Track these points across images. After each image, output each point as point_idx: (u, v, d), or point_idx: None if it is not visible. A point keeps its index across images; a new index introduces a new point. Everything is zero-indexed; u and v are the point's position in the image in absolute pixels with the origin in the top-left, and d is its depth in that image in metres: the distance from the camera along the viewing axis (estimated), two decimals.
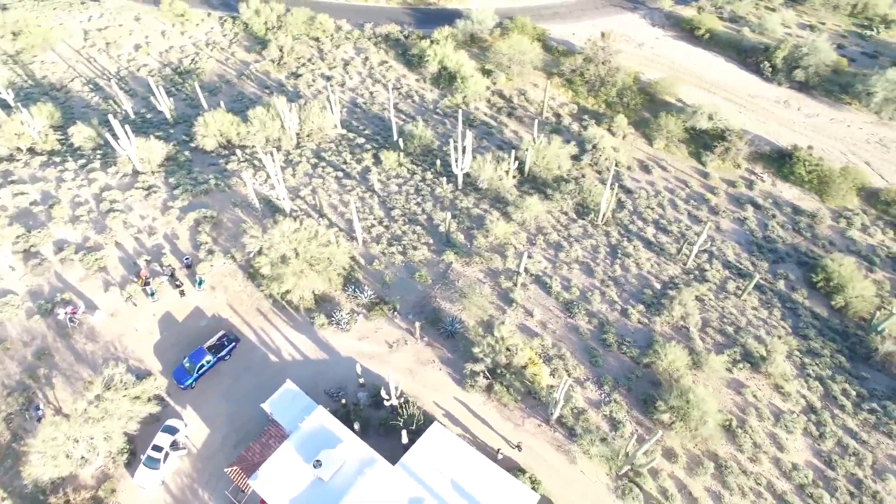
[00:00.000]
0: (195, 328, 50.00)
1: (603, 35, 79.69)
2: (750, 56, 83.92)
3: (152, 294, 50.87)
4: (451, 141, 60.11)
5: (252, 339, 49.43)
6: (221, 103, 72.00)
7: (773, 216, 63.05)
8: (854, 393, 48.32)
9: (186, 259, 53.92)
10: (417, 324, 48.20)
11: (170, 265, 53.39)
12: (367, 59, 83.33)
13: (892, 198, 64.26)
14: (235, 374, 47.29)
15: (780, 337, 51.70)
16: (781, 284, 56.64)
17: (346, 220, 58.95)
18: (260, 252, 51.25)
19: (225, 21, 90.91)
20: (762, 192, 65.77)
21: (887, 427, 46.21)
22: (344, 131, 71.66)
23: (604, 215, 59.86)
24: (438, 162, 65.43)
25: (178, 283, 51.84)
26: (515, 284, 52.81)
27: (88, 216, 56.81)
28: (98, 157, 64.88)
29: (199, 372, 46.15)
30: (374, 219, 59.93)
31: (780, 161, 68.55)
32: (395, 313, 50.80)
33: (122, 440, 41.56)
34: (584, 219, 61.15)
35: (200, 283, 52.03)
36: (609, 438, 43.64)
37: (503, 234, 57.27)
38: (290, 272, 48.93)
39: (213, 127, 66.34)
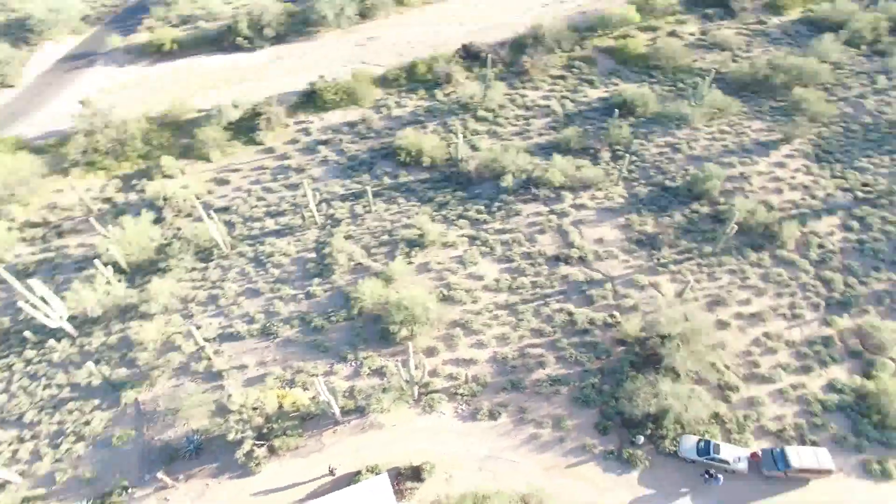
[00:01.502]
0: None
1: (83, 103, 75.48)
2: (225, 40, 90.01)
3: None
4: (24, 302, 51.45)
5: None
6: None
7: (341, 140, 72.89)
8: (482, 207, 63.21)
9: None
10: (160, 474, 43.08)
11: None
12: None
13: (393, 75, 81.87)
14: None
15: (417, 213, 62.44)
16: (386, 179, 67.33)
17: None
18: None
19: None
20: (319, 130, 74.67)
21: (510, 209, 62.96)
22: None
23: (225, 243, 60.41)
24: (28, 333, 55.52)
25: None
26: (209, 358, 50.78)
27: None
28: None
29: None
30: (10, 444, 48.56)
31: (311, 100, 78.11)
32: (130, 491, 44.22)
33: None
34: (211, 260, 60.59)
35: None
36: (387, 386, 47.97)
37: (157, 333, 53.38)
38: None
39: None
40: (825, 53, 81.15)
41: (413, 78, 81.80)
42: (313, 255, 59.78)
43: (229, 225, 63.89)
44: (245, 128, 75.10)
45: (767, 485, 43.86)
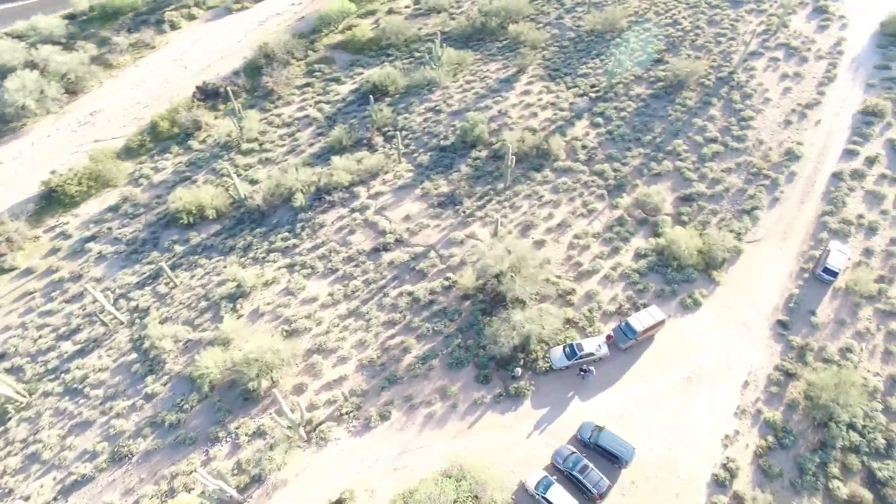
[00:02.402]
0: None
1: None
2: None
3: None
4: None
5: None
6: None
7: (110, 229, 66.35)
8: (287, 234, 63.19)
9: None
10: None
11: None
12: None
13: (136, 142, 76.69)
14: None
15: (225, 267, 60.09)
16: (178, 248, 63.45)
17: None
18: None
19: None
20: (79, 227, 66.97)
21: (314, 224, 63.73)
22: None
23: (18, 392, 52.50)
24: None
25: None
26: None
27: None
28: None
29: None
30: None
31: (54, 200, 69.70)
32: None
33: None
34: (8, 419, 51.90)
35: None
36: (272, 442, 46.40)
37: None
38: None
39: None
40: None
41: (159, 137, 77.08)
42: (134, 355, 54.70)
43: (15, 371, 55.58)
44: None
45: (627, 355, 51.07)
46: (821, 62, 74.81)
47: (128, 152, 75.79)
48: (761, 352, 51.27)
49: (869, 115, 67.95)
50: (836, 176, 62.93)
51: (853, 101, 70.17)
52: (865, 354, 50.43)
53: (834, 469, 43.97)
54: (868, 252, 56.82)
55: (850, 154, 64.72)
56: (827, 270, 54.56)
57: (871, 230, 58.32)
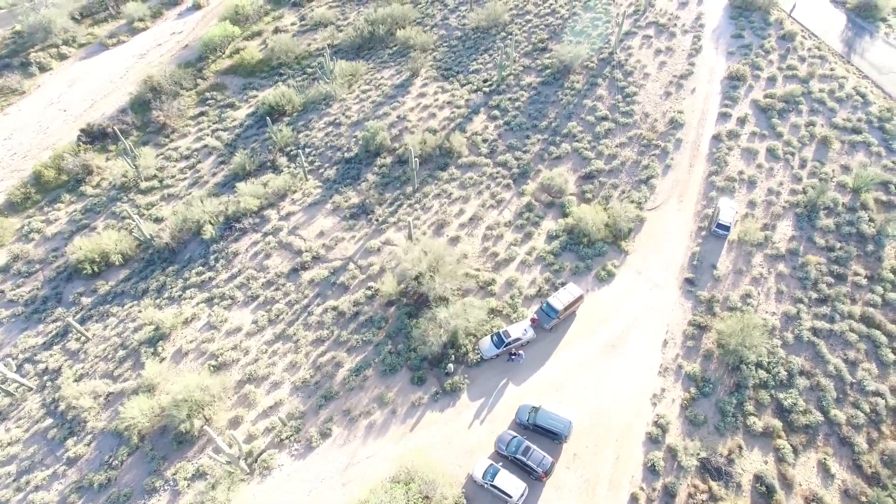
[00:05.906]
0: None
1: None
2: None
3: None
4: None
5: None
6: None
7: (1, 291, 62.37)
8: (201, 268, 61.27)
9: None
10: None
11: None
12: None
13: (19, 196, 71.91)
14: None
15: (140, 311, 57.76)
16: (84, 300, 60.50)
17: None
18: None
19: None
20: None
21: (228, 254, 62.29)
22: None
23: None
24: None
25: None
26: None
27: None
28: None
29: None
30: None
31: None
32: None
33: None
34: None
35: None
36: (214, 481, 45.14)
37: None
38: None
39: None
40: None
41: (46, 187, 72.71)
42: (49, 420, 51.48)
43: None
44: None
45: (553, 334, 53.12)
46: (687, 35, 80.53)
47: (11, 207, 71.02)
48: (674, 310, 54.66)
49: (734, 80, 73.95)
50: (716, 138, 68.05)
51: (719, 68, 76.05)
52: (762, 297, 54.95)
53: (749, 406, 47.63)
54: (752, 204, 61.86)
55: (724, 117, 70.16)
56: (720, 226, 58.89)
57: (752, 184, 63.55)
